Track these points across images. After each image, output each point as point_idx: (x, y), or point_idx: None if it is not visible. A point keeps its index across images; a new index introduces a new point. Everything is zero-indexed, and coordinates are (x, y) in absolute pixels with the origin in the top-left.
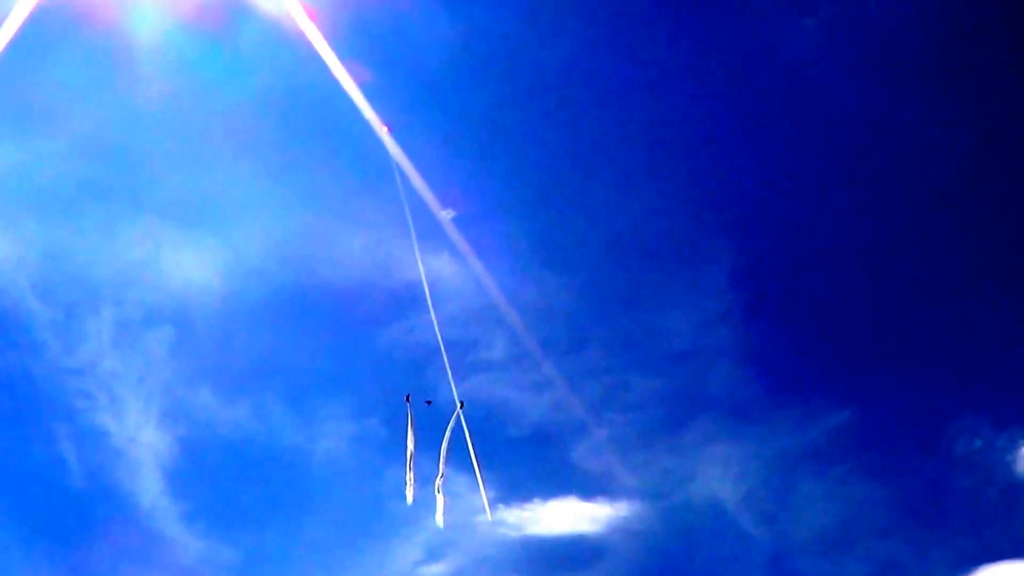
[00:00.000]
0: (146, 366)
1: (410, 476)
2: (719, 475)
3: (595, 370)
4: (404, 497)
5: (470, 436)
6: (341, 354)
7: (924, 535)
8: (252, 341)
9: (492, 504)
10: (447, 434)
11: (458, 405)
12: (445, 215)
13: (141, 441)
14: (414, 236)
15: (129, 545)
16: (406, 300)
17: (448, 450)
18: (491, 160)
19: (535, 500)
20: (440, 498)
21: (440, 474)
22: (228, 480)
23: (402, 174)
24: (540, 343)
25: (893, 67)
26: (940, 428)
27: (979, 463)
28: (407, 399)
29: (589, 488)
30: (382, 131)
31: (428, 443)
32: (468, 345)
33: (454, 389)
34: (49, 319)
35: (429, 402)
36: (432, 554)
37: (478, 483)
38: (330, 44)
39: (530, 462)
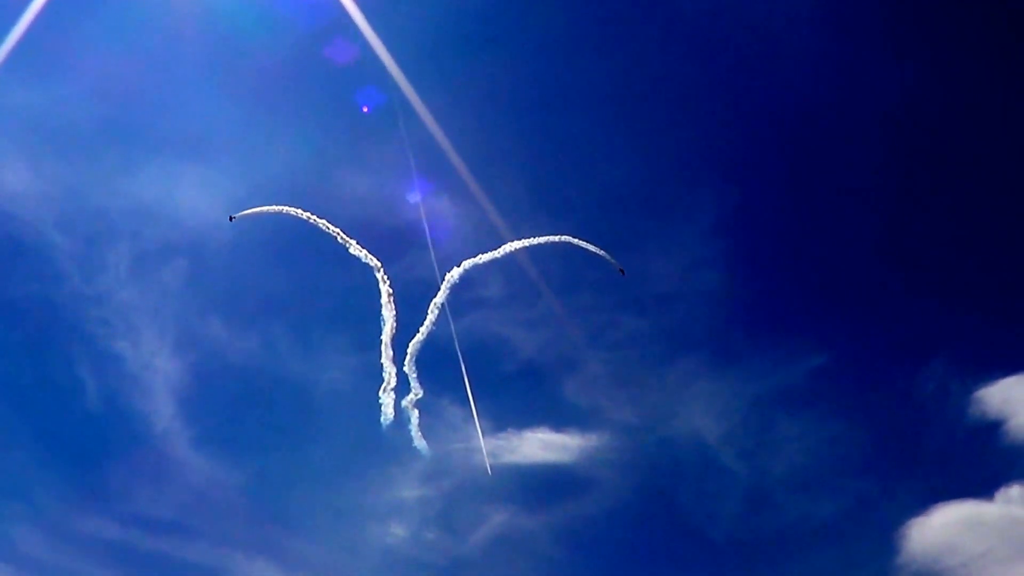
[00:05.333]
0: (161, 297)
1: (387, 398)
2: (701, 412)
3: (585, 309)
4: (401, 426)
5: (468, 377)
6: (344, 290)
7: (892, 474)
8: (261, 276)
9: (485, 434)
10: (411, 350)
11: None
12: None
13: (155, 367)
14: (416, 179)
15: (142, 466)
16: (407, 239)
17: (415, 357)
18: (492, 113)
19: (527, 432)
20: (414, 415)
21: (413, 392)
22: (237, 407)
23: (406, 123)
24: (533, 283)
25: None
26: (906, 374)
27: (938, 408)
28: (231, 219)
29: (577, 421)
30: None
31: (427, 378)
32: (465, 283)
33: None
34: (70, 251)
35: (231, 218)
36: (426, 479)
37: (475, 423)
38: None
39: (522, 395)
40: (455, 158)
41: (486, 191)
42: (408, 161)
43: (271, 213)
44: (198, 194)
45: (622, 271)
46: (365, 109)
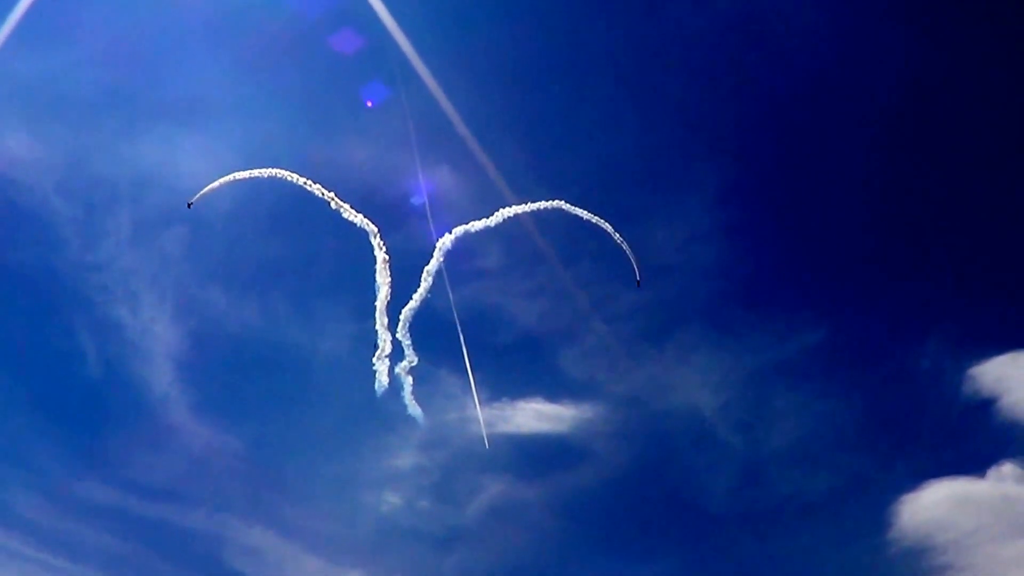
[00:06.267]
0: (161, 264)
1: (381, 365)
2: (698, 385)
3: (583, 280)
4: (396, 394)
5: (466, 347)
6: (344, 258)
7: (885, 450)
8: (261, 243)
9: (483, 404)
10: (404, 317)
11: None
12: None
13: (154, 334)
14: (416, 149)
15: (140, 432)
16: (406, 209)
17: (409, 324)
18: (494, 83)
19: (520, 402)
20: (408, 382)
21: (407, 359)
22: (235, 373)
23: (407, 92)
24: (533, 254)
25: None
26: (902, 351)
27: (933, 385)
28: (189, 206)
29: (572, 392)
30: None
31: (425, 348)
32: (464, 253)
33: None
34: (71, 217)
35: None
36: (421, 448)
37: (472, 393)
38: None
39: (517, 365)
40: (457, 127)
41: (488, 161)
42: (409, 130)
43: (260, 178)
44: (199, 161)
45: (639, 282)
46: (369, 103)
